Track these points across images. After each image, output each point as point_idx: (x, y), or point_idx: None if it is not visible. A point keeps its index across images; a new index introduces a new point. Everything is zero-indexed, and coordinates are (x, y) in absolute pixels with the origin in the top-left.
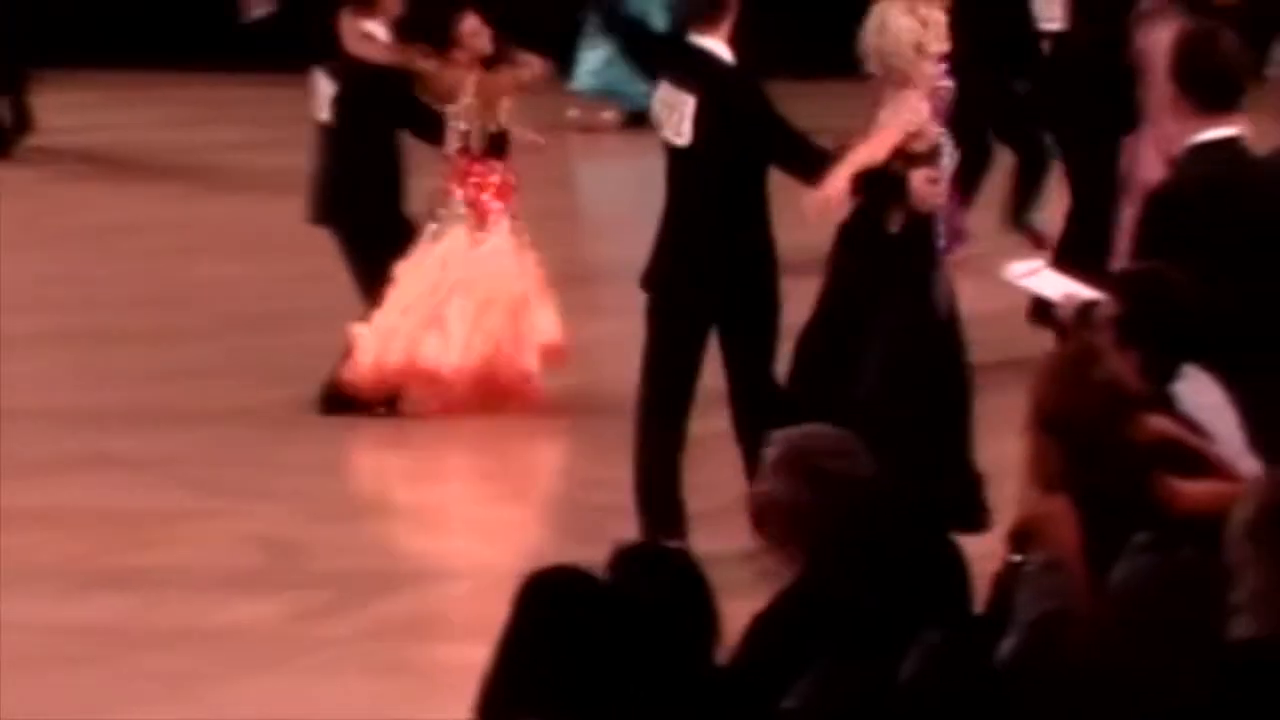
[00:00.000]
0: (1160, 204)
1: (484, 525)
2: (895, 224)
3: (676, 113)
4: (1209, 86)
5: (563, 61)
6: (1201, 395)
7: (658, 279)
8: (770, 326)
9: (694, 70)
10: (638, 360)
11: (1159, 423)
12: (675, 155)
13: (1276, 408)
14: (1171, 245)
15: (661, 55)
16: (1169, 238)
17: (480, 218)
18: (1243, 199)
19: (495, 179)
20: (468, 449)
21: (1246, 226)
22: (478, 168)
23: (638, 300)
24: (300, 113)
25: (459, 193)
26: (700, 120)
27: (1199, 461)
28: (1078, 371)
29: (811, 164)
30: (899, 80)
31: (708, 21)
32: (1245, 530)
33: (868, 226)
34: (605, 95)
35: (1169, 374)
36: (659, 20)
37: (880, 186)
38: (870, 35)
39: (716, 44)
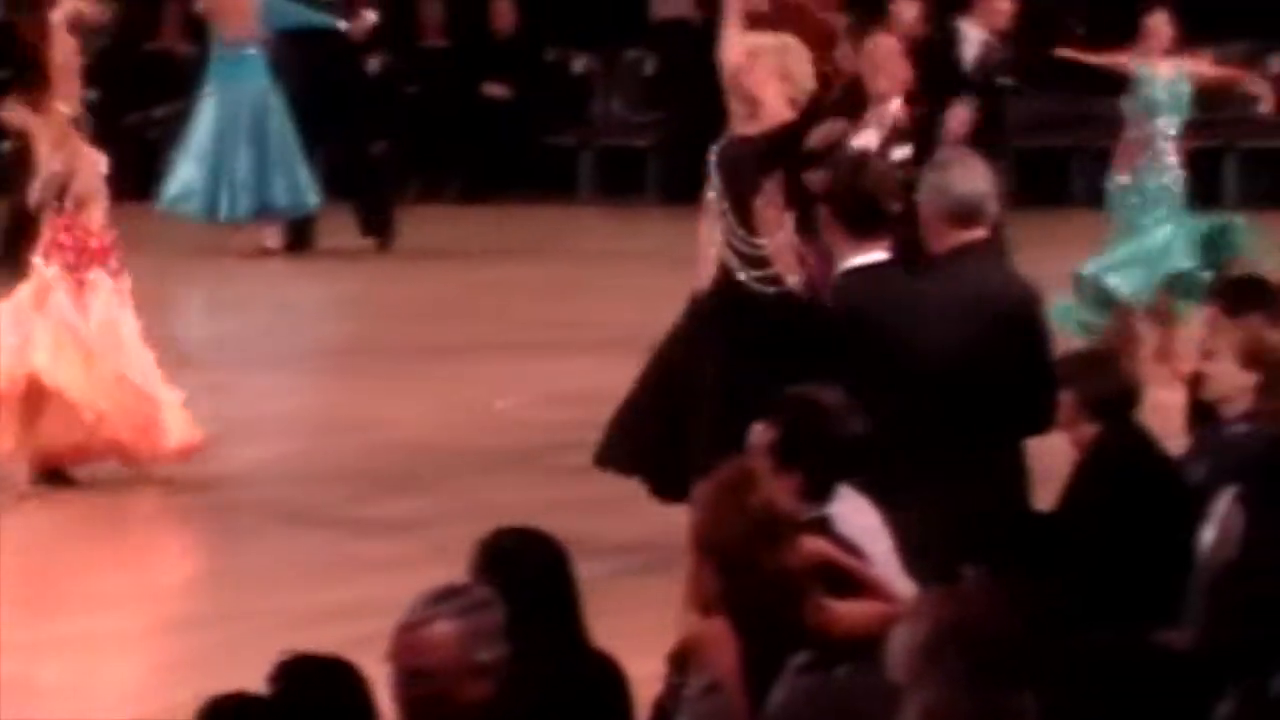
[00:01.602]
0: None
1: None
2: None
3: None
4: (857, 213)
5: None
6: (857, 517)
7: None
8: None
9: None
10: None
11: (815, 545)
12: None
13: (929, 528)
14: (826, 368)
15: None
16: (823, 361)
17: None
18: (889, 324)
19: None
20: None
21: (893, 350)
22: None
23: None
24: None
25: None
26: None
27: (855, 583)
28: (733, 496)
29: None
30: None
31: None
32: (919, 647)
33: None
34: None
35: (826, 496)
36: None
37: None
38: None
39: None
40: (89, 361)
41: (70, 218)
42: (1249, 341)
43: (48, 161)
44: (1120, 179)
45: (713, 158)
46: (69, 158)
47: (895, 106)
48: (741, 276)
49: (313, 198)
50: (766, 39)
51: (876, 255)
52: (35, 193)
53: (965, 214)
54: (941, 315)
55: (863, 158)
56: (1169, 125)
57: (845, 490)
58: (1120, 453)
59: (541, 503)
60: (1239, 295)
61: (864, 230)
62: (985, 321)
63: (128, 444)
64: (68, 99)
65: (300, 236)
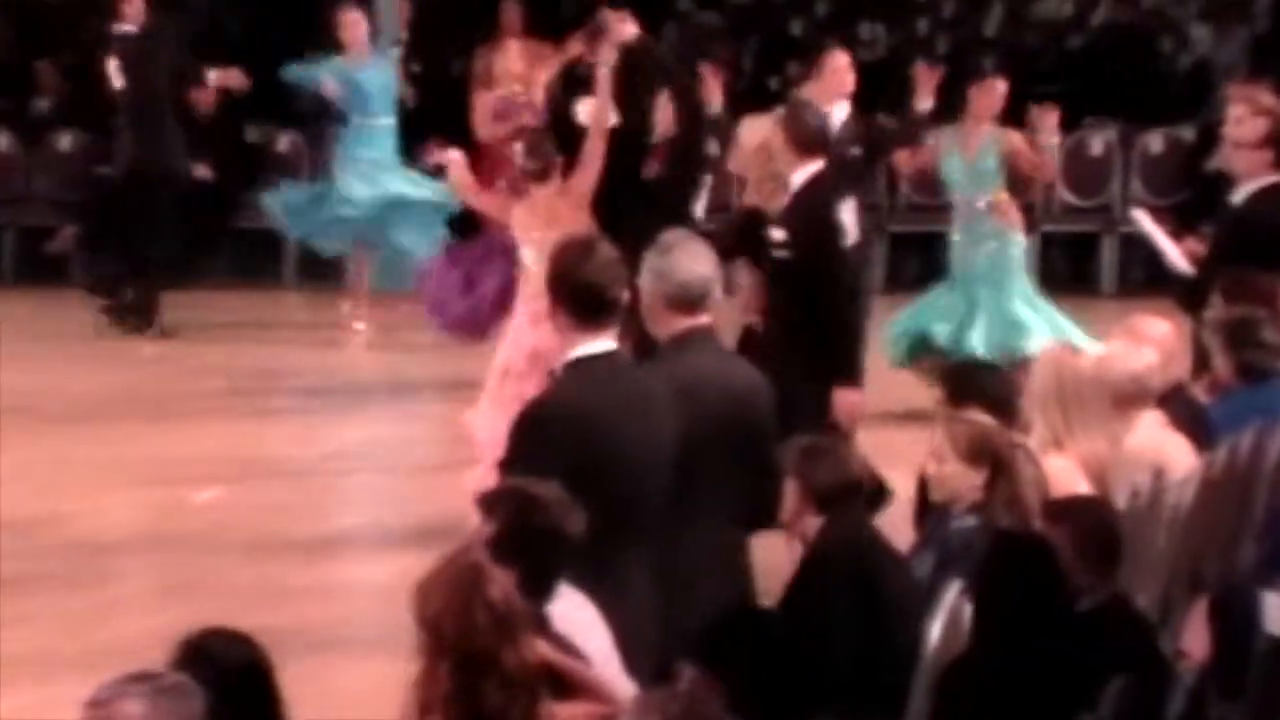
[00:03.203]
0: (529, 420)
1: None
2: None
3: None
4: (581, 301)
5: None
6: (575, 614)
7: None
8: None
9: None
10: None
11: (535, 644)
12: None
13: (649, 625)
14: (540, 462)
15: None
16: (537, 455)
17: None
18: (608, 416)
19: None
20: None
21: (612, 442)
22: None
23: None
24: None
25: None
26: None
27: (574, 683)
28: (472, 590)
29: None
30: None
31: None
32: None
33: None
34: None
35: (544, 593)
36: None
37: None
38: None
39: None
40: None
41: None
42: (973, 436)
43: None
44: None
45: None
46: None
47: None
48: None
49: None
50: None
51: (603, 345)
52: None
53: (688, 299)
54: (662, 405)
55: (588, 242)
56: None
57: (562, 587)
58: (845, 545)
59: (246, 595)
60: (959, 385)
61: (589, 319)
62: (707, 410)
63: None
64: None
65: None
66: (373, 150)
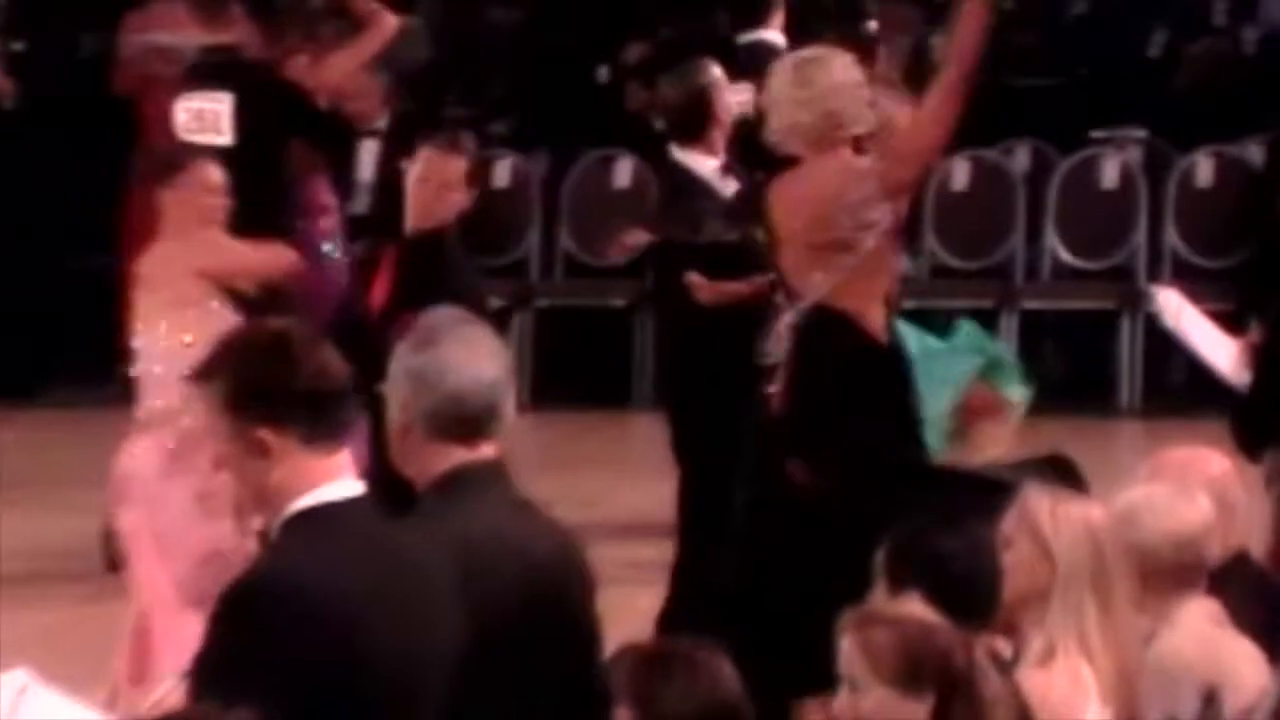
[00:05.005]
0: (235, 608)
1: None
2: None
3: None
4: (305, 413)
5: None
6: None
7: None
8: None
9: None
10: None
11: None
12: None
13: None
14: (248, 673)
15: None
16: (244, 662)
17: None
18: (354, 605)
19: None
20: None
21: (354, 646)
22: None
23: None
24: None
25: None
26: None
27: None
28: None
29: None
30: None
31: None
32: None
33: None
34: None
35: None
36: None
37: None
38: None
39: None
40: None
41: None
42: (906, 646)
43: None
44: None
45: None
46: None
47: None
48: None
49: None
50: None
51: (344, 486)
52: None
53: (463, 421)
54: (441, 585)
55: (280, 332)
56: None
57: None
58: None
59: None
60: (891, 558)
61: (325, 438)
62: (498, 596)
63: None
64: None
65: None
66: None
